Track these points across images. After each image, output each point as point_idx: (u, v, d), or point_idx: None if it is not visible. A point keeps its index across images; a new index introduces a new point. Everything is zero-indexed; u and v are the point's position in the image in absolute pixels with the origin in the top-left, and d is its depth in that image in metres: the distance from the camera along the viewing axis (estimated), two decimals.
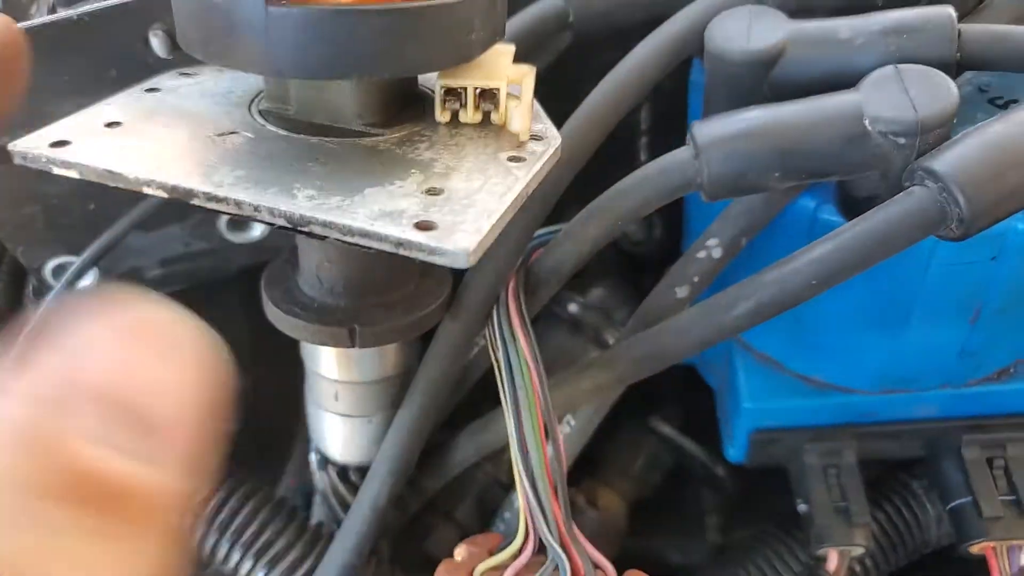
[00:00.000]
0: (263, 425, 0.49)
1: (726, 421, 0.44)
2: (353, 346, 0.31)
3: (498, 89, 0.28)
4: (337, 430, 0.37)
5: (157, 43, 0.35)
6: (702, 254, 0.34)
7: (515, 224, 0.33)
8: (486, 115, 0.29)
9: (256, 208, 0.24)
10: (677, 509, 0.54)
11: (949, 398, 0.40)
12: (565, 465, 0.30)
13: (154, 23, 0.35)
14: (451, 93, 0.28)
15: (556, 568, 0.30)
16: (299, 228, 0.24)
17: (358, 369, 0.35)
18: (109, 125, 0.28)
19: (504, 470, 0.44)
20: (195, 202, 0.25)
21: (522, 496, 0.30)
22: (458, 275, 0.34)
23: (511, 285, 0.34)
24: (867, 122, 0.28)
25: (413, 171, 0.26)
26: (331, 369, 0.35)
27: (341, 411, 0.36)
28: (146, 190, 0.26)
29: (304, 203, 0.24)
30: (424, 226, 0.23)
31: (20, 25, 0.33)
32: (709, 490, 0.52)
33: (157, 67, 0.35)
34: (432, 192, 0.25)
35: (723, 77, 0.32)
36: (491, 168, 0.27)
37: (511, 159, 0.27)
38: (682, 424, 0.51)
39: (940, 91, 0.28)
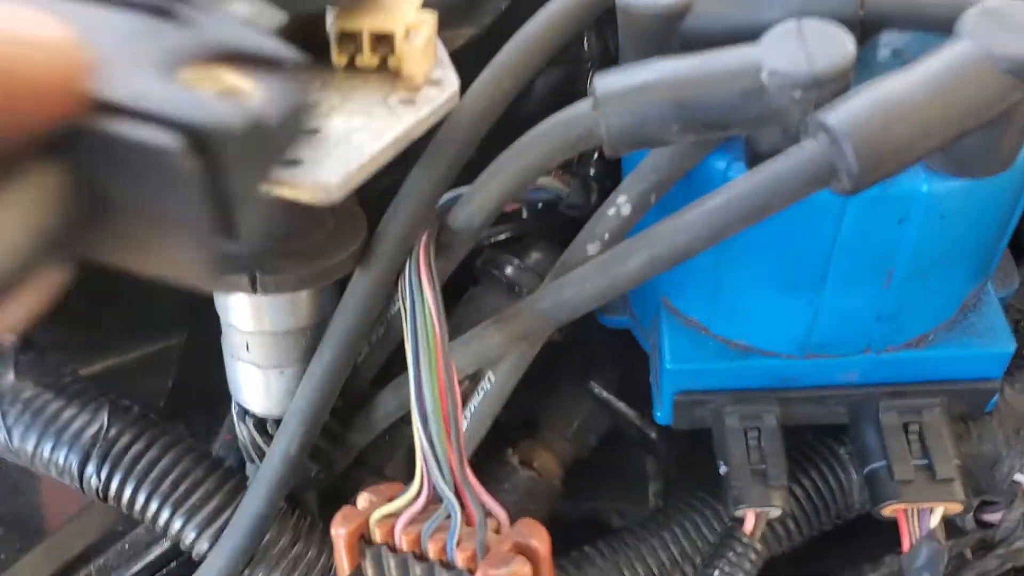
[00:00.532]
0: (196, 382, 0.49)
1: (655, 384, 0.44)
2: (255, 293, 0.31)
3: (394, 33, 0.28)
4: (251, 381, 0.37)
5: None
6: (612, 211, 0.34)
7: (426, 176, 0.33)
8: (383, 60, 0.29)
9: None
10: (618, 472, 0.55)
11: (870, 364, 0.40)
12: (461, 412, 0.31)
13: None
14: (347, 36, 0.28)
15: (449, 516, 0.30)
16: None
17: (268, 319, 0.35)
18: None
19: None
20: None
21: (418, 443, 0.30)
22: (373, 227, 0.34)
23: (423, 239, 0.34)
24: (764, 75, 0.28)
25: None
26: (242, 319, 0.35)
27: (254, 361, 0.36)
28: None
29: None
30: (289, 162, 0.23)
31: None
32: (650, 455, 0.53)
33: None
34: (308, 132, 0.25)
35: (633, 31, 0.32)
36: (377, 111, 0.26)
37: (401, 102, 0.27)
38: (619, 388, 0.51)
39: (837, 45, 0.28)
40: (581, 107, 0.30)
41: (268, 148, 0.18)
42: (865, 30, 0.31)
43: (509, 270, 0.47)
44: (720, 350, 0.41)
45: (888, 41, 0.35)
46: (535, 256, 0.48)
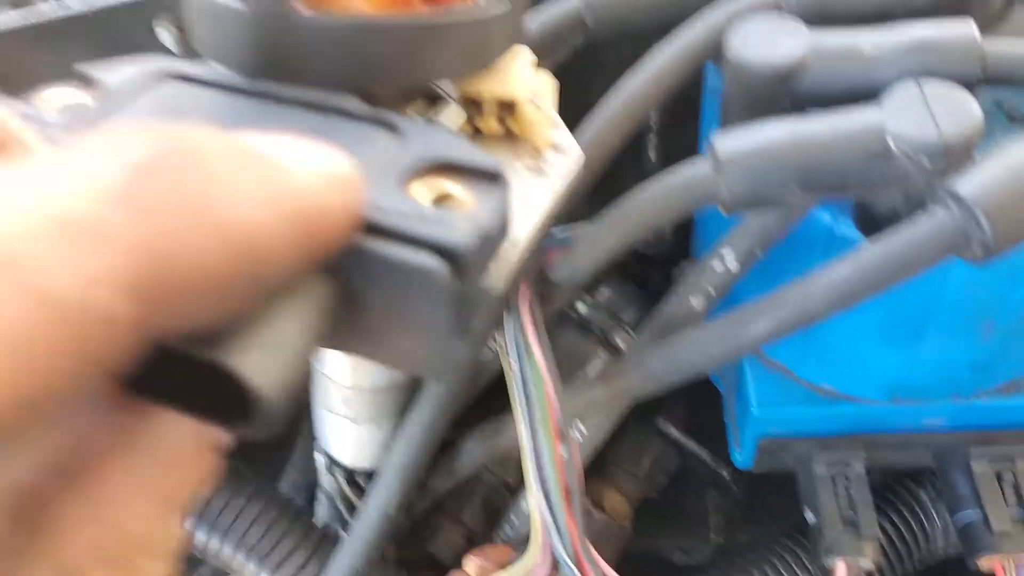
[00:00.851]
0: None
1: (734, 426, 0.44)
2: None
3: (517, 100, 0.28)
4: (345, 434, 0.37)
5: (168, 37, 0.34)
6: (717, 266, 0.34)
7: None
8: (504, 125, 0.28)
9: None
10: (680, 509, 0.54)
11: (959, 409, 0.40)
12: (581, 480, 0.30)
13: (164, 16, 0.34)
14: (468, 100, 0.28)
15: None
16: None
17: (369, 375, 0.34)
18: None
19: (511, 472, 0.44)
20: None
21: (536, 512, 0.30)
22: None
23: (526, 294, 0.33)
24: (890, 140, 0.28)
25: None
26: (341, 373, 0.35)
27: (350, 416, 0.36)
28: None
29: None
30: None
31: (29, 19, 0.33)
32: (713, 491, 0.52)
33: None
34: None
35: (742, 87, 0.31)
36: (514, 188, 0.26)
37: (529, 171, 0.27)
38: (687, 425, 0.50)
39: (965, 111, 0.28)
40: (700, 168, 0.30)
41: (489, 254, 0.19)
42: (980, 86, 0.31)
43: (582, 308, 0.46)
44: (806, 395, 0.41)
45: (988, 90, 0.35)
46: (606, 293, 0.48)
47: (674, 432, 0.50)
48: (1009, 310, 0.34)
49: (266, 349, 0.15)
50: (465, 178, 0.19)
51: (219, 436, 0.17)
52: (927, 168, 0.28)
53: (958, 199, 0.27)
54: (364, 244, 0.17)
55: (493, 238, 0.19)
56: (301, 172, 0.15)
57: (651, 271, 0.50)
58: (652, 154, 0.50)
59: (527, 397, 0.31)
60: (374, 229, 0.17)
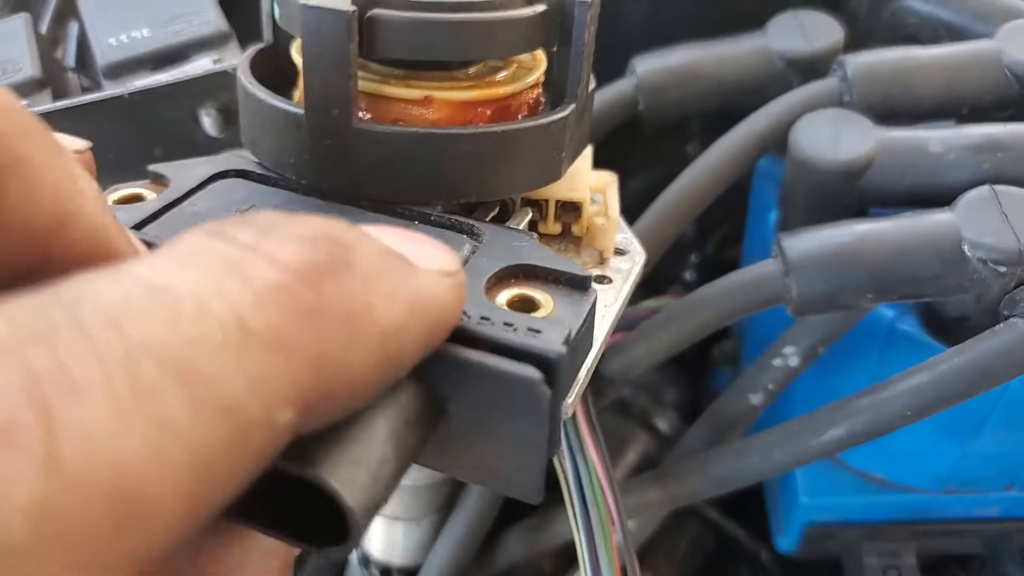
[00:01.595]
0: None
1: (777, 511, 0.43)
2: None
3: (581, 202, 0.27)
4: (382, 531, 0.35)
5: (209, 122, 0.33)
6: (778, 362, 0.33)
7: None
8: (566, 226, 0.27)
9: None
10: None
11: (1013, 500, 0.39)
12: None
13: (206, 101, 0.33)
14: (529, 204, 0.27)
15: None
16: None
17: (412, 472, 0.33)
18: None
19: (548, 560, 0.42)
20: None
21: None
22: None
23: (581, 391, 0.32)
24: (966, 247, 0.27)
25: None
26: None
27: (388, 513, 0.34)
28: None
29: None
30: None
31: (64, 104, 0.32)
32: (751, 572, 0.51)
33: (206, 145, 0.34)
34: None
35: (807, 183, 0.31)
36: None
37: (596, 279, 0.26)
38: (725, 505, 0.49)
39: None
40: (769, 269, 0.29)
41: (579, 362, 0.18)
42: None
43: (622, 389, 0.45)
44: (856, 484, 0.40)
45: None
46: (646, 372, 0.47)
47: (713, 514, 0.48)
48: None
49: (359, 465, 0.14)
50: (548, 284, 0.19)
51: (295, 554, 0.16)
52: (1004, 276, 0.27)
53: None
54: (455, 352, 0.16)
55: (582, 346, 0.18)
56: (427, 271, 0.15)
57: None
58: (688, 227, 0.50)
59: (582, 499, 0.29)
60: (464, 337, 0.16)
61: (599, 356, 0.23)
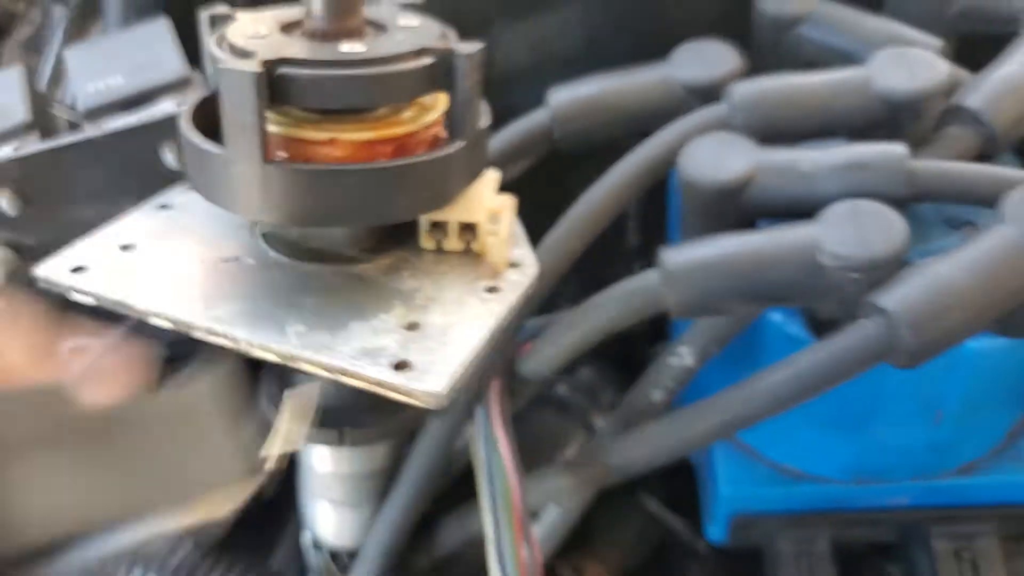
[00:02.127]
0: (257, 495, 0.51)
1: (706, 502, 0.46)
2: (342, 446, 0.34)
3: (477, 223, 0.30)
4: (328, 516, 0.39)
5: (170, 158, 0.38)
6: (674, 361, 0.36)
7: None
8: (467, 243, 0.31)
9: (251, 344, 0.27)
10: None
11: (920, 490, 0.42)
12: (541, 570, 0.32)
13: (167, 139, 0.38)
14: (436, 225, 0.31)
15: None
16: (288, 364, 0.27)
17: (348, 463, 0.37)
18: (124, 248, 0.31)
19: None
20: (196, 335, 0.28)
21: None
22: None
23: (496, 387, 0.36)
24: (823, 257, 0.30)
25: (396, 303, 0.28)
26: (323, 462, 0.37)
27: (332, 499, 0.38)
28: (153, 320, 0.28)
29: (293, 340, 0.27)
30: (401, 365, 0.25)
31: (50, 144, 0.37)
32: (695, 563, 0.54)
33: (171, 177, 0.38)
34: (411, 327, 0.27)
35: (695, 202, 0.34)
36: (469, 300, 0.29)
37: (488, 290, 0.30)
38: (666, 497, 0.52)
39: (891, 230, 0.30)
40: (649, 279, 0.32)
41: None
42: (911, 202, 0.33)
43: (561, 389, 0.49)
44: (772, 476, 0.43)
45: None
46: (585, 373, 0.50)
47: (654, 506, 0.51)
48: (955, 401, 0.36)
49: None
50: None
51: None
52: (857, 282, 0.30)
53: (883, 313, 0.29)
54: None
55: None
56: None
57: (632, 350, 0.52)
58: (632, 238, 0.53)
59: (491, 488, 0.33)
60: None
61: (482, 356, 0.27)
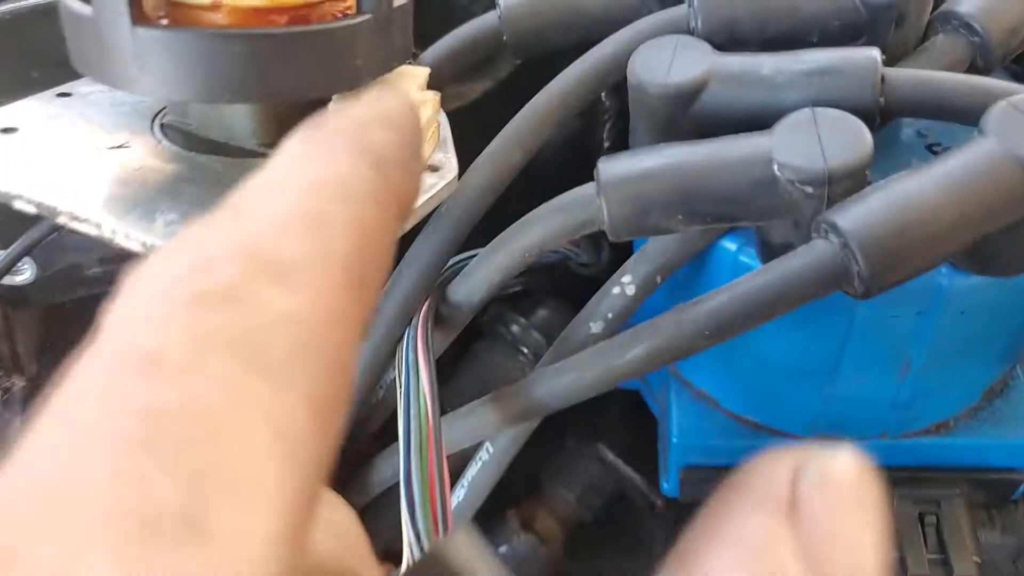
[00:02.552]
0: None
1: (663, 454, 0.43)
2: None
3: None
4: None
5: None
6: (616, 290, 0.33)
7: (427, 247, 0.32)
8: None
9: (114, 232, 0.24)
10: (622, 534, 0.53)
11: (886, 448, 0.38)
12: (450, 505, 0.30)
13: None
14: None
15: None
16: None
17: None
18: (4, 131, 0.28)
19: None
20: (59, 220, 0.25)
21: (405, 533, 0.30)
22: None
23: (422, 312, 0.33)
24: (775, 168, 0.27)
25: None
26: None
27: None
28: (15, 204, 0.25)
29: (160, 229, 0.24)
30: None
31: None
32: (653, 516, 0.51)
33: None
34: None
35: (643, 109, 0.31)
36: None
37: None
38: (626, 450, 0.49)
39: (853, 140, 0.27)
40: (585, 192, 0.29)
41: None
42: (885, 117, 0.29)
43: (515, 328, 0.46)
44: (729, 426, 0.40)
45: (912, 120, 0.34)
46: (541, 314, 0.47)
47: (611, 456, 0.49)
48: (923, 349, 0.33)
49: None
50: None
51: None
52: (813, 197, 0.27)
53: (837, 231, 0.26)
54: None
55: None
56: None
57: (591, 292, 0.49)
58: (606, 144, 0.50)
59: (407, 413, 0.30)
60: None
61: None
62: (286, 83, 0.24)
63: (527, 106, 0.32)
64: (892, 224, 0.25)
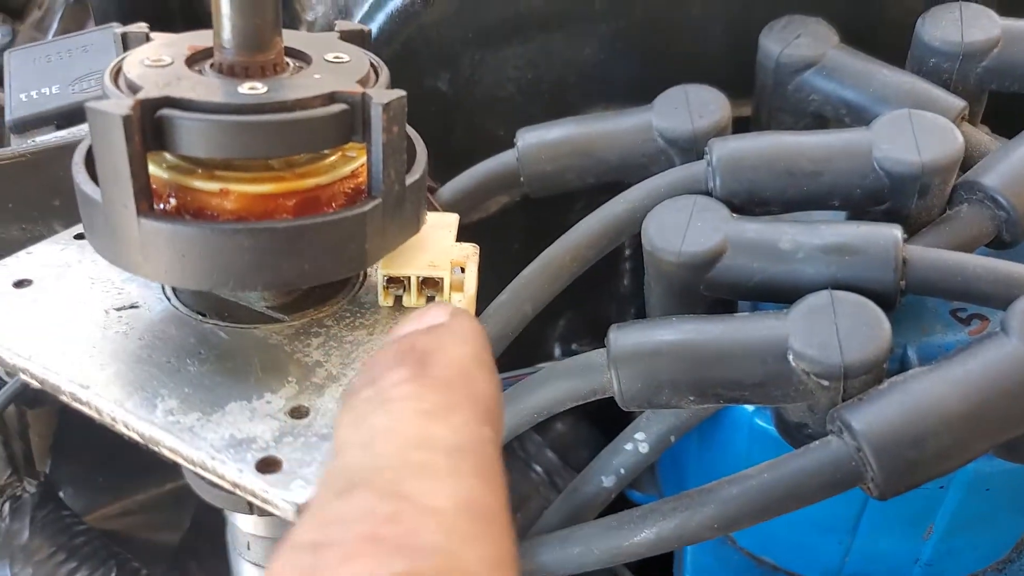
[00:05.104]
0: (212, 521, 0.49)
1: None
2: (251, 514, 0.31)
3: (441, 279, 0.27)
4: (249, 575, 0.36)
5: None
6: (629, 447, 0.32)
7: None
8: (430, 299, 0.28)
9: (114, 420, 0.24)
10: None
11: None
12: None
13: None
14: (394, 280, 0.27)
15: None
16: (150, 446, 0.24)
17: (267, 527, 0.34)
18: (18, 284, 0.28)
19: None
20: (62, 399, 0.25)
21: None
22: None
23: None
24: (790, 357, 0.26)
25: (290, 380, 0.25)
26: (244, 523, 0.34)
27: (254, 560, 0.35)
28: (21, 376, 0.25)
29: (160, 419, 0.23)
30: (268, 463, 0.22)
31: None
32: None
33: None
34: (296, 413, 0.24)
35: (658, 273, 0.30)
36: None
37: None
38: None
39: (872, 332, 0.26)
40: (595, 359, 0.28)
41: None
42: (905, 294, 0.28)
43: (529, 447, 0.45)
44: (745, 565, 0.38)
45: None
46: (558, 430, 0.47)
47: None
48: (947, 517, 0.32)
49: None
50: None
51: None
52: (828, 389, 0.26)
53: (851, 431, 0.25)
54: None
55: None
56: None
57: (608, 406, 0.48)
58: (626, 279, 0.49)
59: None
60: None
61: None
62: (291, 273, 0.24)
63: (539, 259, 0.32)
64: (909, 433, 0.24)
